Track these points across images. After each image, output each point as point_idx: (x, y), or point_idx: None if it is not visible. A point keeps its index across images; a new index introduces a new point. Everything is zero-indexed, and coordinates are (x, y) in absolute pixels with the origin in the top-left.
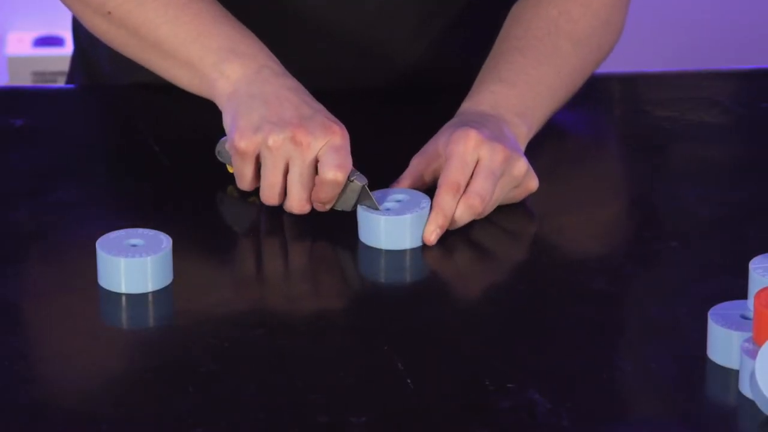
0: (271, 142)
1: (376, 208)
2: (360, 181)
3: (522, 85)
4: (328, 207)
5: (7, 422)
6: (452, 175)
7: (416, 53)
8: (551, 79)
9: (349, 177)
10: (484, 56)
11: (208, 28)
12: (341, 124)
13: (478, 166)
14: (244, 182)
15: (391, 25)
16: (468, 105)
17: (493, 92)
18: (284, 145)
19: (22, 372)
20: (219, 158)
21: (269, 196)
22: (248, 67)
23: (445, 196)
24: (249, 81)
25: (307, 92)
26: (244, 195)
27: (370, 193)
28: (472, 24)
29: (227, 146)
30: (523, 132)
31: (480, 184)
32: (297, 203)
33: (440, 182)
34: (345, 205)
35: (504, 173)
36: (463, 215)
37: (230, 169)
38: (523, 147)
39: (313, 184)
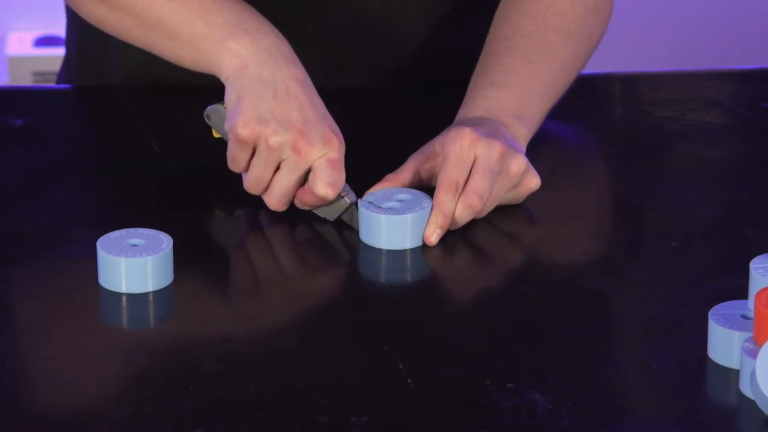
0: (271, 141)
1: (356, 229)
2: (350, 199)
3: (515, 86)
4: (307, 208)
5: (7, 422)
6: (450, 174)
7: (424, 43)
8: (544, 75)
9: (340, 192)
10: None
11: (212, 5)
12: (340, 135)
13: (475, 164)
14: (237, 167)
15: (399, 15)
16: (464, 112)
17: (487, 97)
18: (283, 147)
19: (22, 372)
20: (207, 121)
21: (253, 188)
22: (258, 44)
23: (444, 196)
24: (260, 60)
25: (313, 87)
26: (231, 211)
27: (357, 212)
28: (480, 13)
29: (226, 126)
30: (523, 133)
31: (477, 183)
32: (275, 202)
33: (438, 182)
34: (328, 215)
35: (501, 170)
36: (462, 214)
37: (215, 134)
38: (524, 147)
39: (298, 188)
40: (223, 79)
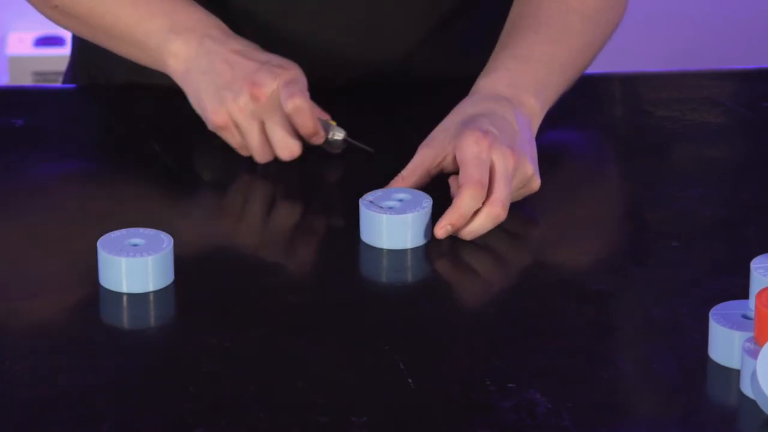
0: (235, 109)
1: (370, 150)
2: (338, 136)
3: (536, 62)
4: (320, 139)
5: (8, 422)
6: (475, 175)
7: (419, 42)
8: (563, 56)
9: (328, 134)
10: (485, 48)
11: (146, 10)
12: (292, 64)
13: (494, 172)
14: (244, 149)
15: (396, 13)
16: (484, 83)
17: (509, 70)
18: (248, 105)
19: (23, 371)
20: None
21: (260, 155)
22: (190, 43)
23: (467, 196)
24: (196, 56)
25: (255, 47)
26: (231, 210)
27: (352, 140)
28: (476, 15)
29: (209, 128)
30: (537, 111)
31: (501, 192)
32: (285, 149)
33: (463, 182)
34: (336, 150)
35: (514, 177)
36: (485, 223)
37: None
38: (536, 125)
39: (289, 128)
40: (177, 83)
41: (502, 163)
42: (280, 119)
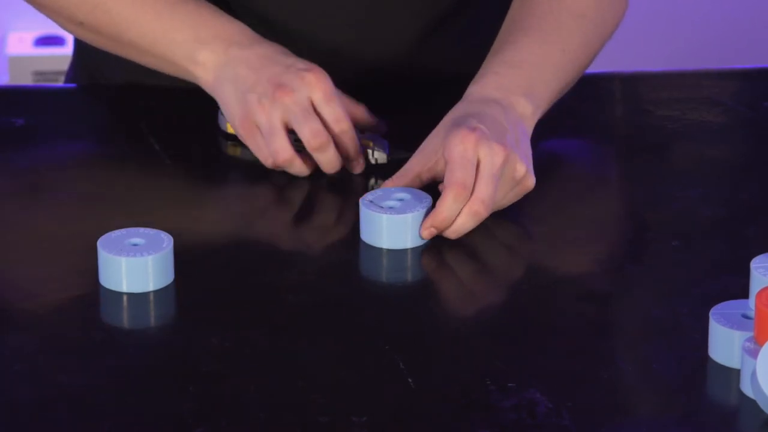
0: (259, 110)
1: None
2: (381, 158)
3: (526, 65)
4: (360, 167)
5: (8, 422)
6: (459, 176)
7: (419, 40)
8: (556, 56)
9: (369, 152)
10: (485, 46)
11: (170, 23)
12: (316, 68)
13: (479, 169)
14: (271, 160)
15: (396, 11)
16: (474, 88)
17: (497, 74)
18: (270, 105)
19: (23, 372)
20: (228, 128)
21: (284, 158)
22: (217, 52)
23: (450, 199)
24: (223, 64)
25: (281, 50)
26: (232, 210)
27: (396, 152)
28: (476, 13)
29: (241, 138)
30: (530, 111)
31: (483, 190)
32: (312, 137)
33: (446, 183)
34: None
35: (503, 174)
36: (467, 222)
37: (230, 129)
38: (530, 127)
39: (315, 117)
40: (206, 91)
41: (489, 160)
42: (302, 108)
